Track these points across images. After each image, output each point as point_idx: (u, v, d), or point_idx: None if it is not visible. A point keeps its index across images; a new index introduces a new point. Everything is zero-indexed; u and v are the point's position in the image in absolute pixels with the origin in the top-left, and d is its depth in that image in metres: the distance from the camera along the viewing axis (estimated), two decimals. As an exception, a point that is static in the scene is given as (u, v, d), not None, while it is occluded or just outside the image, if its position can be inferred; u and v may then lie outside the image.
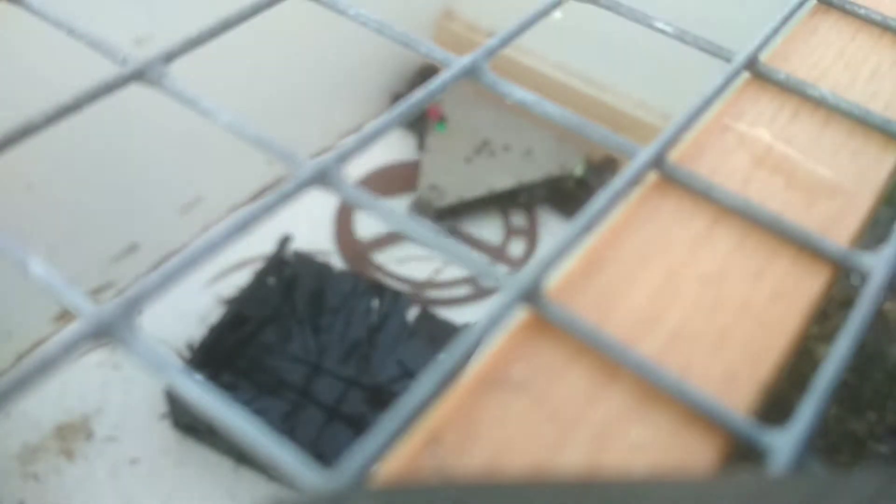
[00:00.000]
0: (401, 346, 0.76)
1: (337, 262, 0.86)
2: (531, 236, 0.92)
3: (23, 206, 0.70)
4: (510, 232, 0.92)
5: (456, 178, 0.92)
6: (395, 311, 0.79)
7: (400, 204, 0.93)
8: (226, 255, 0.79)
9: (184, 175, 0.84)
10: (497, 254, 0.91)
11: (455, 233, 0.92)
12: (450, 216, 0.92)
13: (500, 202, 0.93)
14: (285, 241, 0.83)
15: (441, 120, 0.97)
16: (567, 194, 0.93)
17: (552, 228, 0.94)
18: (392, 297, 0.80)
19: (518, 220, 0.93)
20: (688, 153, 0.23)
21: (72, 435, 0.73)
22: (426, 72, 1.02)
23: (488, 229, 0.93)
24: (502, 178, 0.92)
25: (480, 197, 0.91)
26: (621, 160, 0.95)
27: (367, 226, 0.91)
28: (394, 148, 0.98)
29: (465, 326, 0.79)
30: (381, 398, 0.72)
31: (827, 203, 0.22)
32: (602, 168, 0.94)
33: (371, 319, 0.78)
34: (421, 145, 0.96)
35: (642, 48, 0.73)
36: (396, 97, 1.02)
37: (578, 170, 0.92)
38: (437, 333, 0.78)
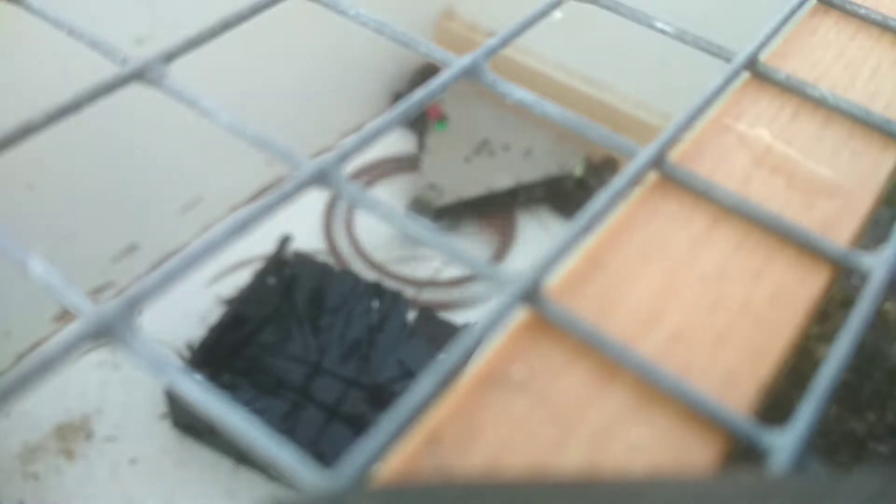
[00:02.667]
0: (401, 345, 0.76)
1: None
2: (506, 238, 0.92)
3: (23, 206, 0.70)
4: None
5: (455, 178, 0.92)
6: (394, 311, 0.79)
7: (397, 197, 0.94)
8: (226, 255, 0.79)
9: (184, 175, 0.84)
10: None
11: (454, 231, 0.92)
12: (449, 215, 0.92)
13: (500, 202, 0.93)
14: (285, 241, 0.83)
15: (441, 119, 0.97)
16: (566, 194, 0.93)
17: (552, 228, 0.94)
18: (392, 297, 0.80)
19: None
20: (688, 153, 0.23)
21: (72, 435, 0.73)
22: (426, 71, 1.02)
23: (487, 228, 0.93)
24: (502, 178, 0.92)
25: (479, 196, 0.91)
26: (621, 160, 0.96)
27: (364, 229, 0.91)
28: (393, 146, 0.98)
29: (465, 326, 0.79)
30: (380, 398, 0.72)
31: (827, 203, 0.22)
32: (602, 168, 0.94)
33: (371, 319, 0.78)
34: (421, 144, 0.96)
35: (642, 48, 0.73)
36: (397, 96, 1.02)
37: (578, 170, 0.92)
38: (437, 333, 0.78)
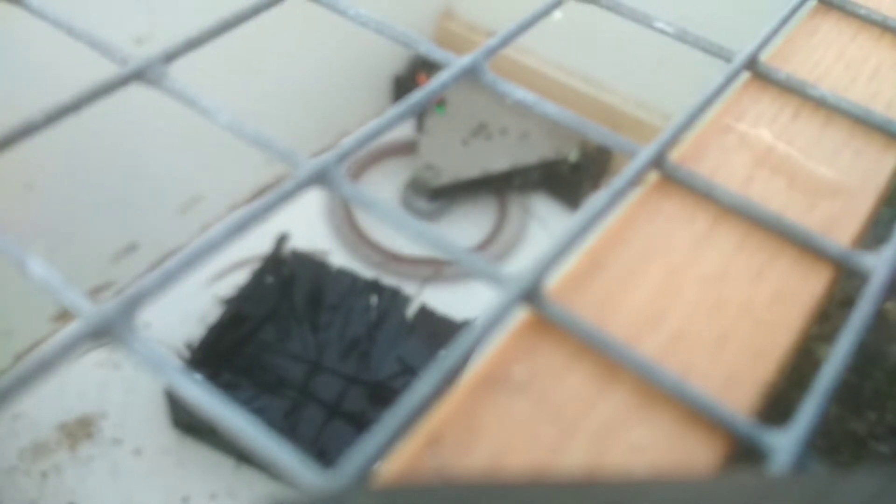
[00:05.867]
0: (400, 342, 0.76)
1: (335, 261, 0.86)
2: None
3: (23, 206, 0.70)
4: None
5: (452, 159, 0.94)
6: (393, 308, 0.79)
7: (395, 178, 0.96)
8: (225, 255, 0.79)
9: (184, 175, 0.84)
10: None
11: (450, 211, 0.93)
12: (445, 195, 0.93)
13: (495, 184, 0.94)
14: (282, 239, 0.83)
15: (440, 103, 0.97)
16: (561, 178, 0.95)
17: (542, 212, 0.95)
18: (391, 294, 0.80)
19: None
20: (689, 153, 0.23)
21: (73, 434, 0.73)
22: (428, 62, 1.02)
23: (482, 209, 0.94)
24: (498, 161, 0.94)
25: (475, 178, 0.93)
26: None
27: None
28: (393, 129, 0.98)
29: (465, 324, 0.79)
30: (381, 395, 0.72)
31: (828, 203, 0.22)
32: (596, 154, 0.95)
33: (370, 317, 0.78)
34: (419, 126, 0.97)
35: (642, 48, 0.73)
36: (397, 81, 1.02)
37: (573, 155, 0.93)
38: (436, 330, 0.78)
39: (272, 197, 0.19)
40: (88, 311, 0.17)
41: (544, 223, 0.95)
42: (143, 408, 0.75)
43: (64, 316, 0.78)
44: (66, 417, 0.73)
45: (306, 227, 0.89)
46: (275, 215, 0.19)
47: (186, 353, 0.75)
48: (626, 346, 0.18)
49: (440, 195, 0.93)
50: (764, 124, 0.24)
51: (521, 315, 0.18)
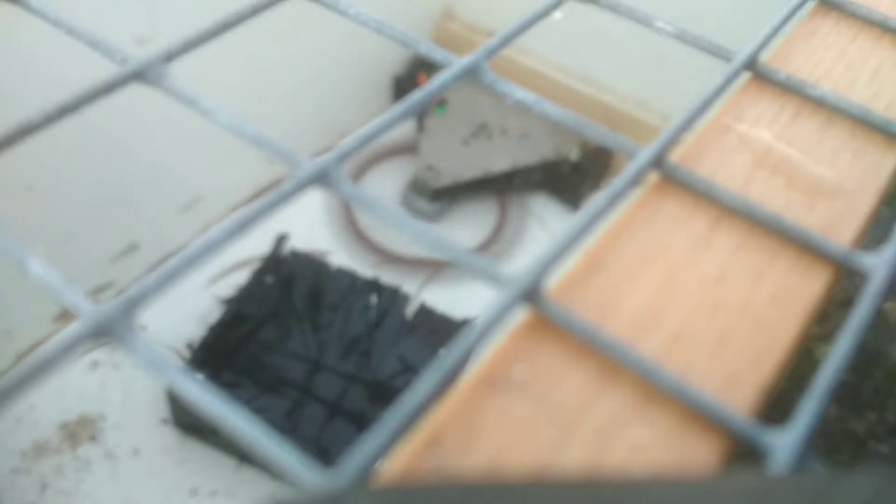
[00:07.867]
0: (400, 341, 0.76)
1: (335, 261, 0.86)
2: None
3: (23, 206, 0.70)
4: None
5: (453, 160, 0.94)
6: (393, 307, 0.79)
7: (396, 179, 0.96)
8: (225, 255, 0.79)
9: (184, 175, 0.84)
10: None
11: (450, 212, 0.93)
12: (446, 196, 0.93)
13: (496, 184, 0.95)
14: (282, 239, 0.83)
15: (441, 103, 0.97)
16: (562, 178, 0.95)
17: (543, 213, 0.95)
18: (391, 293, 0.80)
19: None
20: (689, 153, 0.23)
21: (74, 435, 0.73)
22: (427, 62, 1.02)
23: (483, 209, 0.95)
24: (498, 161, 0.94)
25: (476, 178, 0.93)
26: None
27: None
28: (393, 129, 0.98)
29: (465, 322, 0.79)
30: (381, 393, 0.72)
31: (828, 203, 0.22)
32: (597, 154, 0.95)
33: (370, 315, 0.78)
34: (420, 127, 0.97)
35: (642, 48, 0.73)
36: (397, 81, 1.02)
37: (574, 155, 0.93)
38: (436, 328, 0.78)
39: (272, 197, 0.19)
40: (89, 311, 0.17)
41: (545, 223, 0.95)
42: (143, 408, 0.75)
43: (64, 316, 0.78)
44: (67, 418, 0.73)
45: (306, 227, 0.89)
46: (275, 215, 0.19)
47: (187, 353, 0.75)
48: (626, 346, 0.18)
49: (441, 196, 0.93)
50: (764, 124, 0.24)
51: (521, 315, 0.18)
